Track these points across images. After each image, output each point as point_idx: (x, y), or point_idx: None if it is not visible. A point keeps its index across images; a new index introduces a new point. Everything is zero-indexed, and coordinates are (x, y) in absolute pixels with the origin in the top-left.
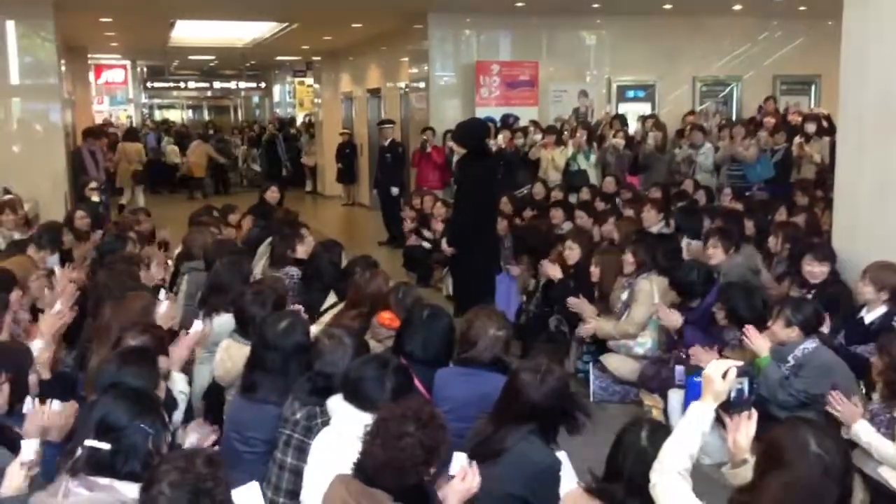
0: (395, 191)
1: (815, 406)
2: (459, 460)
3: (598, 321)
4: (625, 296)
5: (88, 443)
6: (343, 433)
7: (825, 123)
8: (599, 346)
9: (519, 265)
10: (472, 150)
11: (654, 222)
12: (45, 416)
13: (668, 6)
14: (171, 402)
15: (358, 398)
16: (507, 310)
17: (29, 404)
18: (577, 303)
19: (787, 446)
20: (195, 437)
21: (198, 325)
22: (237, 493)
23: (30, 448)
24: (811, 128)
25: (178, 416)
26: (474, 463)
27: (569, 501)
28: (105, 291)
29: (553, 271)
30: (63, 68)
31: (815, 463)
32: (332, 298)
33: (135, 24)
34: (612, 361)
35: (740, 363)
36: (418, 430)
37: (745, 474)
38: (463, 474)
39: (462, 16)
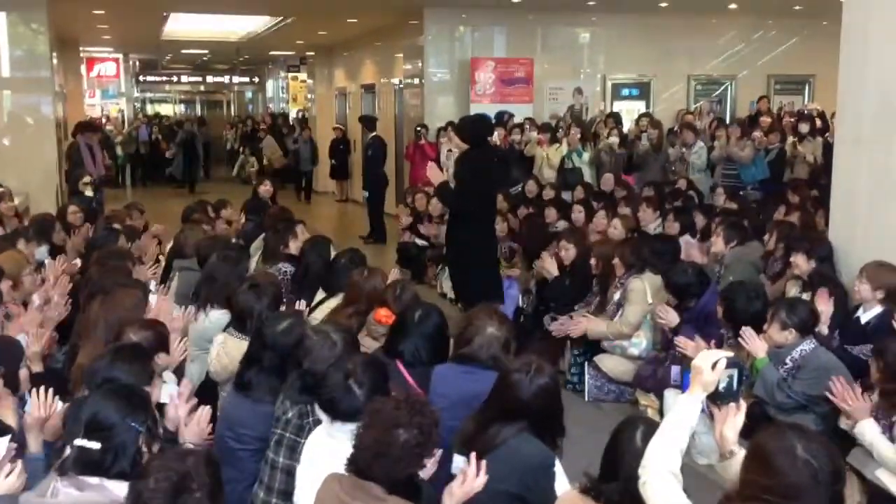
0: (365, 194)
1: (814, 408)
2: (459, 462)
3: (589, 321)
4: (617, 296)
5: (78, 442)
6: (334, 434)
7: (818, 122)
8: (593, 346)
9: (517, 265)
10: (473, 143)
11: (651, 221)
12: (46, 408)
13: (663, 4)
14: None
15: (336, 413)
16: (507, 311)
17: (30, 399)
18: (561, 328)
19: (773, 452)
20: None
21: (177, 312)
22: None
23: (1, 445)
24: (804, 128)
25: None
26: (473, 459)
27: (565, 502)
28: (95, 286)
29: (551, 267)
30: (55, 61)
31: (803, 469)
32: (320, 294)
33: (128, 16)
34: (606, 362)
35: (730, 354)
36: (411, 421)
37: (734, 467)
38: (463, 478)
39: (458, 12)
